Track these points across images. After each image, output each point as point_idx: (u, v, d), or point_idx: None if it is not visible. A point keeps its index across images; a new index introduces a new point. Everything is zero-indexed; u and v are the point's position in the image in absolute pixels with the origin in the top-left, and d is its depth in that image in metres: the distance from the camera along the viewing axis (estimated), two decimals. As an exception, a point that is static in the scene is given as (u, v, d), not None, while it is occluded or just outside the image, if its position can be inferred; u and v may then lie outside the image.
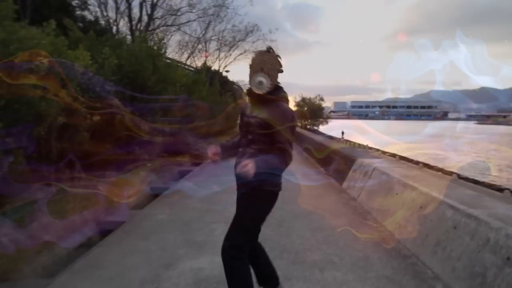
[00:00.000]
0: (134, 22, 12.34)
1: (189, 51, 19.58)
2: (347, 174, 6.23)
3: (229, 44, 22.46)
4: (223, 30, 21.03)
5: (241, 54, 23.72)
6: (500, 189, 6.51)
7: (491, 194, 3.99)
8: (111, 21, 11.89)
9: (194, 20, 16.86)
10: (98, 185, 5.75)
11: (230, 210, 4.71)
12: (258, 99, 2.03)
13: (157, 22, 15.07)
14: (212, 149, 2.23)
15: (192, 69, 21.17)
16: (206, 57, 22.92)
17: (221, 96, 21.59)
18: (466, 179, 6.95)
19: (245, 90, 2.34)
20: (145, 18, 12.94)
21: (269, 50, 2.06)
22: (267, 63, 1.99)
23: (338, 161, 7.22)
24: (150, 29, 12.87)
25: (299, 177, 7.14)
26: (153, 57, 7.84)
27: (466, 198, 3.24)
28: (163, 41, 8.89)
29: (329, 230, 3.94)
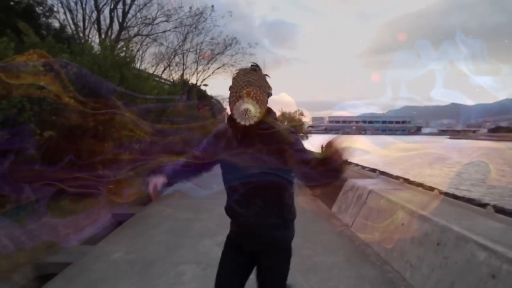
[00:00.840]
0: (103, 31, 11.49)
1: (165, 63, 18.72)
2: (337, 196, 5.57)
3: (207, 57, 21.81)
4: (201, 43, 20.40)
5: (219, 67, 23.11)
6: (481, 204, 6.18)
7: (473, 209, 3.64)
8: (79, 29, 11.02)
9: (169, 30, 16.15)
10: (45, 218, 4.85)
11: (204, 243, 3.92)
12: (249, 132, 1.55)
13: (131, 31, 14.28)
14: (153, 184, 1.62)
15: (169, 83, 20.38)
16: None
17: (198, 110, 20.84)
18: (446, 194, 6.59)
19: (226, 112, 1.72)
20: (117, 26, 12.17)
21: (255, 68, 1.60)
22: (253, 85, 1.51)
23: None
24: (122, 38, 12.05)
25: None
26: (120, 66, 7.04)
27: (496, 233, 2.61)
28: (131, 49, 8.11)
29: (325, 272, 3.21)
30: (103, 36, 11.34)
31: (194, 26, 17.42)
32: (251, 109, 1.48)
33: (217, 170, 1.92)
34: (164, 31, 15.68)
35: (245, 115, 1.48)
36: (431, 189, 5.41)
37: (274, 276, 1.70)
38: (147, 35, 15.34)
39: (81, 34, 11.03)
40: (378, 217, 3.96)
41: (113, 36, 11.56)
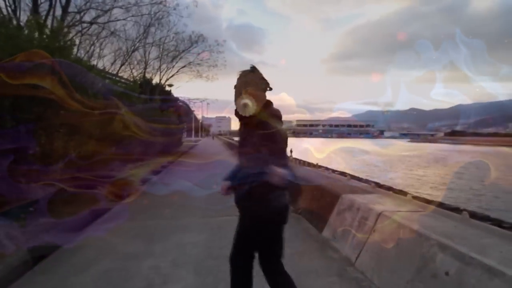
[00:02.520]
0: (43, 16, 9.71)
1: (123, 59, 16.86)
2: (329, 216, 4.43)
3: (172, 55, 20.18)
4: (165, 37, 18.76)
5: (184, 66, 21.53)
6: (452, 209, 5.66)
7: (448, 215, 3.28)
8: (11, 13, 9.19)
9: (125, 19, 14.40)
10: None
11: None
12: (247, 122, 2.02)
13: (83, 19, 12.46)
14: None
15: (128, 82, 18.54)
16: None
17: (162, 112, 19.18)
18: (418, 198, 6.41)
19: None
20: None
21: (253, 70, 2.04)
22: (251, 84, 1.99)
23: (311, 194, 5.43)
24: (67, 25, 10.30)
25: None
26: (51, 52, 5.50)
27: None
28: (69, 34, 6.55)
29: None
30: (39, 21, 9.52)
31: (155, 18, 15.81)
32: (249, 104, 1.94)
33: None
34: (119, 20, 13.95)
35: (244, 108, 1.95)
36: (403, 193, 5.12)
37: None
38: (102, 25, 13.54)
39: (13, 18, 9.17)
40: (399, 255, 2.83)
41: (54, 23, 9.78)
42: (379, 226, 3.31)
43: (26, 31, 5.32)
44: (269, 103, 2.02)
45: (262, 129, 1.94)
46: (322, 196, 4.99)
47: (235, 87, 2.00)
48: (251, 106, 1.92)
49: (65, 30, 8.69)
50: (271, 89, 2.02)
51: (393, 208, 3.57)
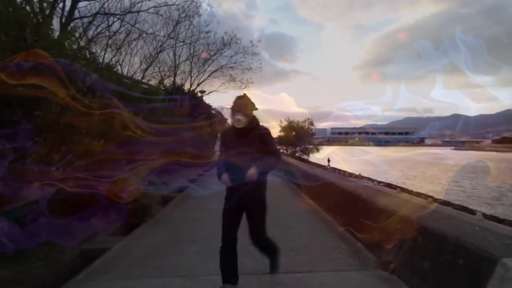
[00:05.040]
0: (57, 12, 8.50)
1: (148, 60, 15.57)
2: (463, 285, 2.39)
3: (207, 56, 18.78)
4: (196, 35, 17.41)
5: (216, 70, 20.05)
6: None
7: None
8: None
9: (147, 11, 13.04)
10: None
11: None
12: (243, 130, 2.92)
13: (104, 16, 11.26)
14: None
15: (162, 89, 17.25)
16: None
17: (193, 119, 17.75)
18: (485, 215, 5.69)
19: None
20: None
21: (243, 96, 3.04)
22: (242, 105, 2.93)
23: (408, 241, 3.37)
24: (77, 17, 9.06)
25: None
26: (21, 26, 3.91)
27: None
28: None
29: None
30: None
31: (184, 15, 14.46)
32: (241, 119, 2.88)
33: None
34: (144, 10, 12.60)
35: (238, 121, 2.89)
36: (472, 212, 5.00)
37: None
38: (127, 19, 12.27)
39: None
40: None
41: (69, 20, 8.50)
42: None
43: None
44: (254, 117, 3.02)
45: (258, 130, 2.97)
46: (444, 249, 2.92)
47: (232, 108, 2.94)
48: (242, 120, 2.87)
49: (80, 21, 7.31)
50: (256, 109, 3.00)
51: None
